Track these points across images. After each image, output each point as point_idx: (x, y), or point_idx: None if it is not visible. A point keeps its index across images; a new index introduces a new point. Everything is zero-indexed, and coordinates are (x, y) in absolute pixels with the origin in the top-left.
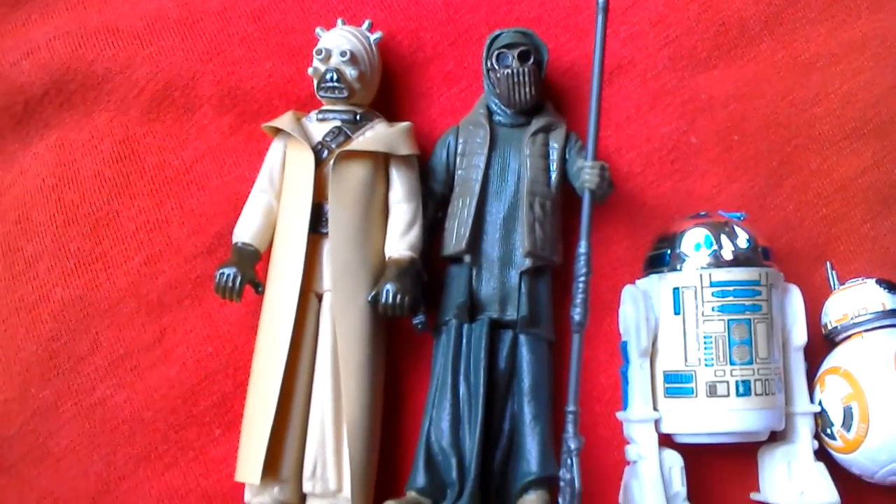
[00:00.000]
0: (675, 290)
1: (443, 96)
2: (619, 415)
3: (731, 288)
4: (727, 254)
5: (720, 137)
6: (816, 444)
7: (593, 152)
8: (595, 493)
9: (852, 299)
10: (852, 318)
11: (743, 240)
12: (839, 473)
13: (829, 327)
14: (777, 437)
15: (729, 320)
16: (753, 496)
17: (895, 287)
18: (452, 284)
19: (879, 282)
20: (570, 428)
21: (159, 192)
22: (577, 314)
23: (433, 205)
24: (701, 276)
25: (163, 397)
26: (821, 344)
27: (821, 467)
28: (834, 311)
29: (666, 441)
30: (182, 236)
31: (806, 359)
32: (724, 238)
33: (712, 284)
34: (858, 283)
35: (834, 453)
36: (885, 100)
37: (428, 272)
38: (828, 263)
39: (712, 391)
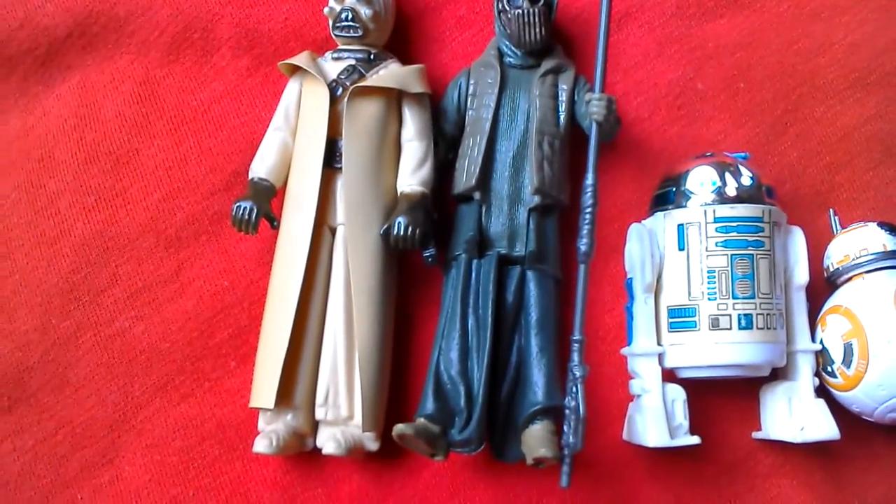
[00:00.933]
0: (680, 226)
1: (455, 40)
2: (624, 350)
3: (734, 224)
4: (731, 191)
5: (726, 84)
6: (817, 381)
7: (601, 85)
8: (599, 428)
9: (854, 241)
10: (854, 259)
11: (747, 178)
12: (839, 413)
13: (832, 269)
14: (779, 375)
15: (732, 255)
16: (755, 435)
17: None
18: (463, 221)
19: (881, 224)
20: (575, 356)
21: (178, 132)
22: (583, 245)
23: (444, 145)
24: (705, 212)
25: (179, 329)
26: (824, 287)
27: (821, 403)
28: (836, 253)
29: (669, 377)
30: (200, 174)
31: (809, 300)
32: (728, 176)
33: (716, 220)
34: (860, 226)
35: (834, 391)
36: (888, 50)
37: (439, 210)
38: (830, 210)
39: (715, 324)
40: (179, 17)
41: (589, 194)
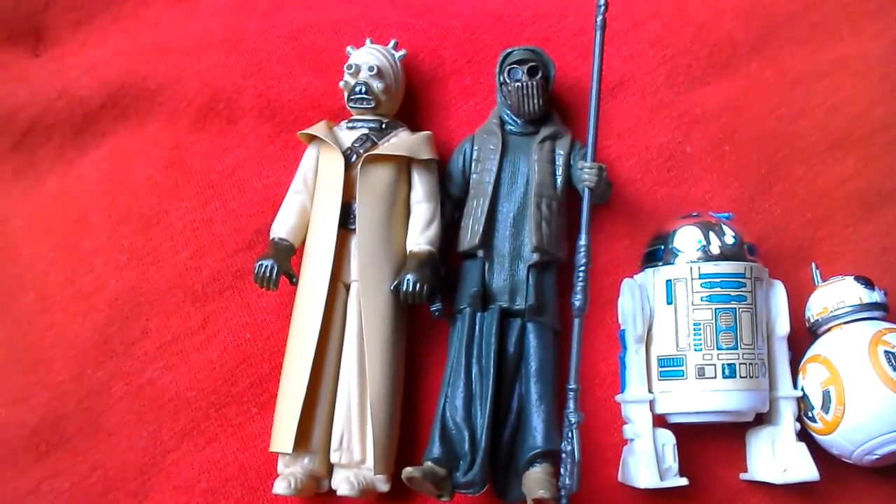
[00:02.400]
0: (668, 281)
1: (460, 108)
2: (618, 397)
3: (717, 280)
4: (715, 249)
5: (713, 147)
6: (799, 426)
7: (592, 154)
8: (596, 471)
9: (832, 294)
10: (832, 311)
11: (729, 237)
12: (821, 455)
13: (812, 320)
14: (763, 420)
15: (716, 309)
16: (742, 476)
17: (871, 283)
18: (467, 277)
19: (857, 278)
20: (571, 404)
21: (204, 194)
22: (577, 300)
23: (451, 206)
24: (691, 268)
25: (205, 378)
26: (806, 336)
27: (802, 447)
28: (816, 306)
29: (660, 422)
30: (224, 233)
31: (791, 349)
32: (712, 235)
33: (701, 276)
34: (838, 279)
35: (815, 435)
36: (865, 114)
37: (445, 266)
38: (812, 264)
39: (701, 373)
40: (206, 88)
41: (582, 254)
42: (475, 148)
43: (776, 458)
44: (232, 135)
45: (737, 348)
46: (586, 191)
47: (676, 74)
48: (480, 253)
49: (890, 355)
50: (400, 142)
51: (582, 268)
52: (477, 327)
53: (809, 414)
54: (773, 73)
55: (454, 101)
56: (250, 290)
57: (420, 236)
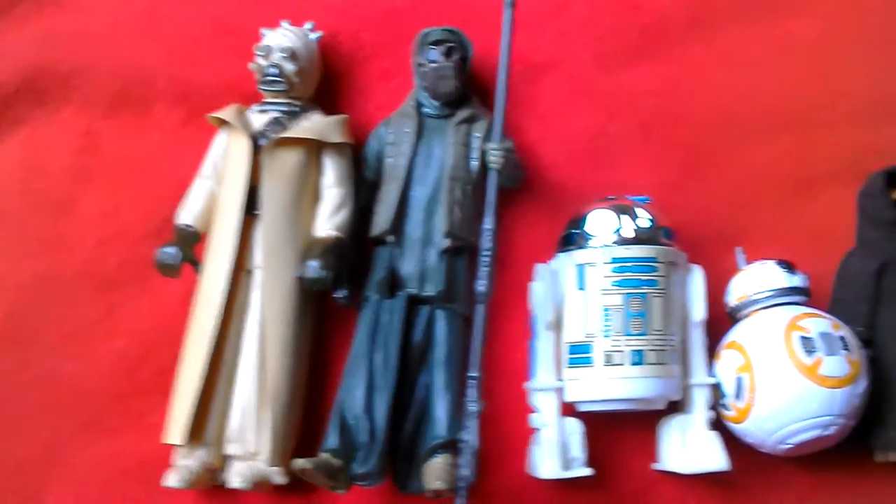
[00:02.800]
0: (580, 266)
1: (380, 92)
2: (526, 385)
3: (629, 264)
4: (627, 233)
5: (639, 130)
6: (714, 414)
7: (499, 135)
8: (505, 462)
9: (751, 279)
10: (751, 296)
11: (644, 220)
12: (737, 445)
13: (731, 305)
14: (677, 408)
15: (626, 294)
16: (654, 466)
17: (793, 267)
18: (377, 263)
19: (779, 262)
20: (471, 393)
21: (115, 181)
22: (481, 285)
23: (366, 191)
24: (602, 252)
25: (108, 368)
26: (728, 323)
27: (713, 435)
28: (736, 291)
29: (571, 411)
30: (133, 221)
31: (713, 337)
32: (625, 218)
33: (613, 261)
34: (759, 264)
35: (729, 424)
36: (797, 96)
37: (361, 253)
38: (738, 249)
39: (608, 360)
40: (120, 72)
41: (487, 238)
42: (390, 131)
43: (686, 447)
44: (146, 119)
45: (646, 334)
46: (492, 172)
47: (605, 55)
48: (391, 238)
49: (805, 341)
50: (311, 125)
51: (487, 252)
52: (383, 315)
53: (723, 402)
54: (705, 55)
55: (374, 84)
56: (157, 278)
57: (328, 221)
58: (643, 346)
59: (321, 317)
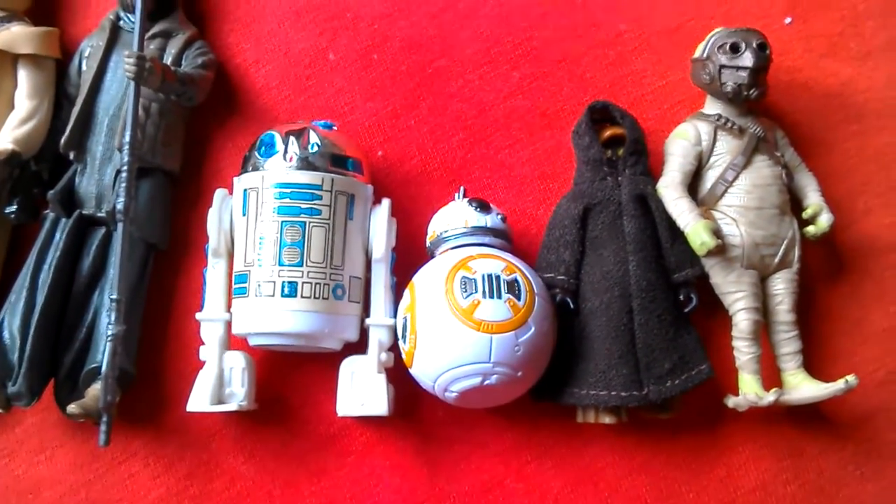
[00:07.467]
0: (245, 191)
1: (99, 7)
2: (198, 315)
3: (288, 190)
4: (291, 157)
5: (359, 56)
6: (388, 357)
7: (139, 44)
8: (183, 394)
9: (444, 218)
10: (440, 234)
11: (313, 146)
12: (420, 390)
13: (427, 244)
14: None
15: (283, 222)
16: (338, 410)
17: (487, 206)
18: (61, 182)
19: (472, 201)
20: (111, 315)
21: None
22: (119, 203)
23: (68, 106)
24: (263, 177)
25: None
26: None
27: (379, 379)
28: (430, 229)
29: (241, 345)
30: None
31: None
32: (292, 142)
33: (274, 186)
34: (453, 202)
35: (406, 367)
36: (537, 24)
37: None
38: (462, 188)
39: (260, 291)
40: None
41: (125, 151)
42: (90, 45)
43: (354, 389)
44: None
45: (301, 265)
46: (129, 82)
47: None
48: (72, 155)
49: (466, 282)
50: (7, 35)
51: (125, 166)
52: (57, 234)
53: (399, 344)
54: None
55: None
56: None
57: (9, 134)
58: (297, 278)
59: (7, 236)
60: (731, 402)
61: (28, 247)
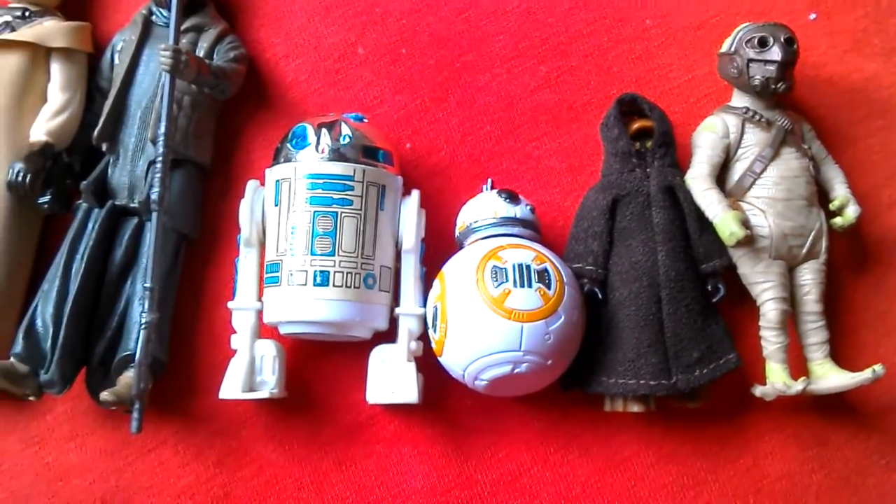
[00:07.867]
0: (277, 182)
1: (131, 1)
2: (229, 304)
3: (320, 181)
4: (323, 149)
5: (388, 50)
6: (419, 346)
7: (174, 37)
8: (213, 383)
9: (473, 208)
10: (469, 225)
11: (345, 137)
12: (449, 378)
13: (456, 235)
14: (388, 339)
15: (315, 212)
16: (368, 398)
17: (516, 197)
18: (94, 172)
19: (501, 192)
20: (144, 304)
21: None
22: (154, 193)
23: (101, 100)
24: (296, 168)
25: None
26: None
27: (409, 367)
28: (459, 220)
29: (272, 333)
30: None
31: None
32: (324, 134)
33: (306, 177)
34: (482, 193)
35: (437, 357)
36: (564, 19)
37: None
38: (489, 181)
39: (293, 280)
40: None
41: (160, 144)
42: (122, 39)
43: (385, 378)
44: None
45: (333, 255)
46: (165, 75)
47: None
48: (104, 146)
49: (497, 271)
50: (37, 29)
51: (160, 158)
52: (89, 224)
53: (429, 332)
54: None
55: None
56: None
57: (43, 126)
58: (329, 267)
59: (39, 225)
60: (759, 391)
61: (60, 237)
